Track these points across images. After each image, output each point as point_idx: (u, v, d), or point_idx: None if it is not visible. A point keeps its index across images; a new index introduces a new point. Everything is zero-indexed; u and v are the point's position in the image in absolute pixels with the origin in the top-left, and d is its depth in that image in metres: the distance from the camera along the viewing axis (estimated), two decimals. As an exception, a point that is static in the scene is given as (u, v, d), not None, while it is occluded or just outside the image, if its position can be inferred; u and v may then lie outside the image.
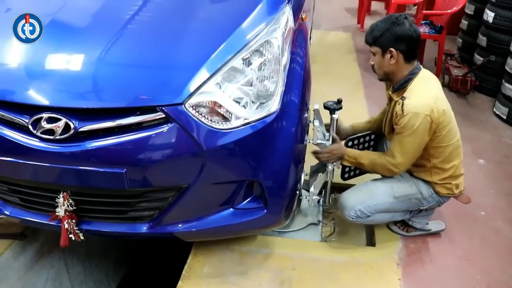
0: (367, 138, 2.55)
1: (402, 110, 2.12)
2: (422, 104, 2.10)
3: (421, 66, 2.25)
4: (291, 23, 2.23)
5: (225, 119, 1.84)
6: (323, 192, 2.71)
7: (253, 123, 1.86)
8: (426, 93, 2.15)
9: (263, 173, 1.96)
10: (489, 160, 3.38)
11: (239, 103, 1.88)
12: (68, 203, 1.93)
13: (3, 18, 2.15)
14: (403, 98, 2.15)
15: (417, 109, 2.09)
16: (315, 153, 2.44)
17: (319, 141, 2.39)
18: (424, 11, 5.00)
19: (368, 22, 6.89)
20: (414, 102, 2.11)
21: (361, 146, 2.54)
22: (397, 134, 2.19)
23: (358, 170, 2.61)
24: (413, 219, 2.49)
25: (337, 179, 2.61)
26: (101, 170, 1.80)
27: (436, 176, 2.31)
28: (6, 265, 2.44)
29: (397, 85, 2.23)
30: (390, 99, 2.33)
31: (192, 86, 1.80)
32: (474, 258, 2.42)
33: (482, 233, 2.62)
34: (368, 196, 2.32)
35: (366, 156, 2.31)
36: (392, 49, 2.13)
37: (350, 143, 2.49)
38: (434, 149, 2.24)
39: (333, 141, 2.42)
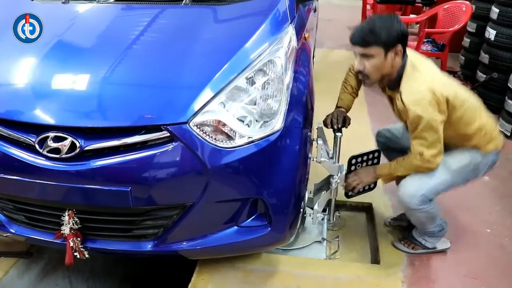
0: (370, 156, 2.52)
1: (404, 105, 2.08)
2: (418, 92, 2.05)
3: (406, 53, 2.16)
4: (294, 43, 2.25)
5: (229, 137, 1.85)
6: (327, 209, 2.71)
7: (257, 142, 1.88)
8: (418, 78, 2.09)
9: (267, 191, 1.97)
10: (494, 177, 3.36)
11: (243, 121, 1.89)
12: (74, 221, 1.94)
13: (9, 38, 2.19)
14: (400, 93, 2.11)
15: (415, 99, 2.05)
16: (346, 187, 2.46)
17: (322, 159, 2.39)
18: (427, 29, 5.04)
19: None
20: (410, 93, 2.07)
21: (364, 164, 2.51)
22: (412, 132, 2.14)
23: (362, 187, 2.57)
24: (427, 238, 2.47)
25: (341, 196, 2.61)
26: (106, 188, 1.82)
27: (475, 139, 2.24)
28: (11, 284, 2.43)
29: (393, 83, 2.17)
30: (390, 98, 2.29)
31: (196, 105, 1.82)
32: (480, 276, 2.40)
33: (488, 250, 2.60)
34: (427, 178, 2.23)
35: (398, 167, 2.27)
36: (399, 45, 2.05)
37: (354, 161, 2.47)
38: (455, 124, 2.18)
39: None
